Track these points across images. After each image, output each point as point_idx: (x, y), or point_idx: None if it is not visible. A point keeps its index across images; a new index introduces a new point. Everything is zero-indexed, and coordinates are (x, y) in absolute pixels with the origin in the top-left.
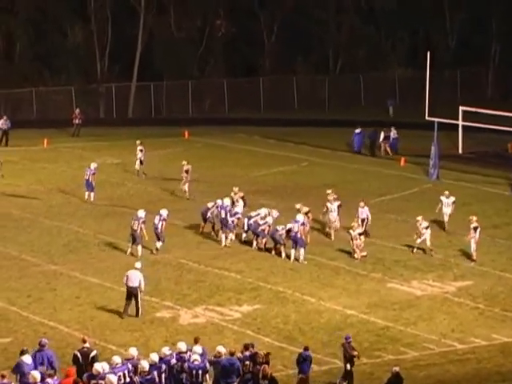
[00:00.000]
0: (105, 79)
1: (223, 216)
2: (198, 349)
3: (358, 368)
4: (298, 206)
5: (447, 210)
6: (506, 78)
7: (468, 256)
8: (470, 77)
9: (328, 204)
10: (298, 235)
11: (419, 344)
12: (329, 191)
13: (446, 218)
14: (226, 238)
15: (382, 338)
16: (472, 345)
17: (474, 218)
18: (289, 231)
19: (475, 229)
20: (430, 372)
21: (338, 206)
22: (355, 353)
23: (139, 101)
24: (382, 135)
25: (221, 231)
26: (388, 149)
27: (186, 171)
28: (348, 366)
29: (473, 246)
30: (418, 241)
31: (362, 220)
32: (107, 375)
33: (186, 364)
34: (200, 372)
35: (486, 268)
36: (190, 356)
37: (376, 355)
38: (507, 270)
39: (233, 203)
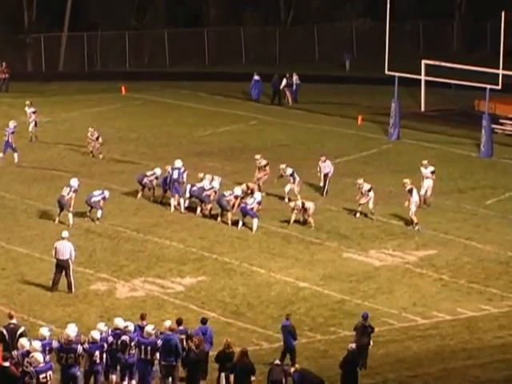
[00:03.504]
0: (33, 29)
1: (175, 177)
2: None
3: (311, 345)
4: (257, 156)
5: (426, 183)
6: (472, 30)
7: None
8: (433, 29)
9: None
10: (249, 209)
11: (378, 319)
12: (257, 156)
13: (422, 192)
14: (179, 203)
15: (338, 313)
16: (435, 320)
17: (408, 181)
18: (236, 198)
19: (410, 191)
20: (388, 349)
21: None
22: None
23: (71, 53)
24: (284, 82)
25: (172, 198)
26: (289, 96)
27: (97, 138)
28: None
29: (413, 208)
30: (362, 202)
31: (325, 174)
32: (34, 353)
33: (135, 339)
34: (149, 348)
35: (450, 236)
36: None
37: (331, 331)
38: (473, 238)
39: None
